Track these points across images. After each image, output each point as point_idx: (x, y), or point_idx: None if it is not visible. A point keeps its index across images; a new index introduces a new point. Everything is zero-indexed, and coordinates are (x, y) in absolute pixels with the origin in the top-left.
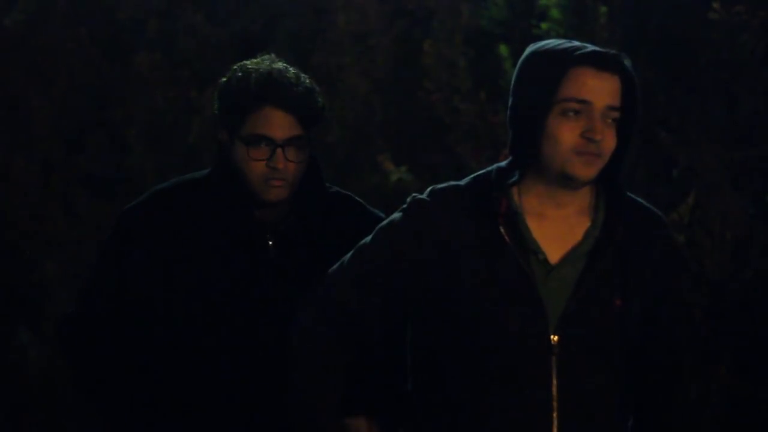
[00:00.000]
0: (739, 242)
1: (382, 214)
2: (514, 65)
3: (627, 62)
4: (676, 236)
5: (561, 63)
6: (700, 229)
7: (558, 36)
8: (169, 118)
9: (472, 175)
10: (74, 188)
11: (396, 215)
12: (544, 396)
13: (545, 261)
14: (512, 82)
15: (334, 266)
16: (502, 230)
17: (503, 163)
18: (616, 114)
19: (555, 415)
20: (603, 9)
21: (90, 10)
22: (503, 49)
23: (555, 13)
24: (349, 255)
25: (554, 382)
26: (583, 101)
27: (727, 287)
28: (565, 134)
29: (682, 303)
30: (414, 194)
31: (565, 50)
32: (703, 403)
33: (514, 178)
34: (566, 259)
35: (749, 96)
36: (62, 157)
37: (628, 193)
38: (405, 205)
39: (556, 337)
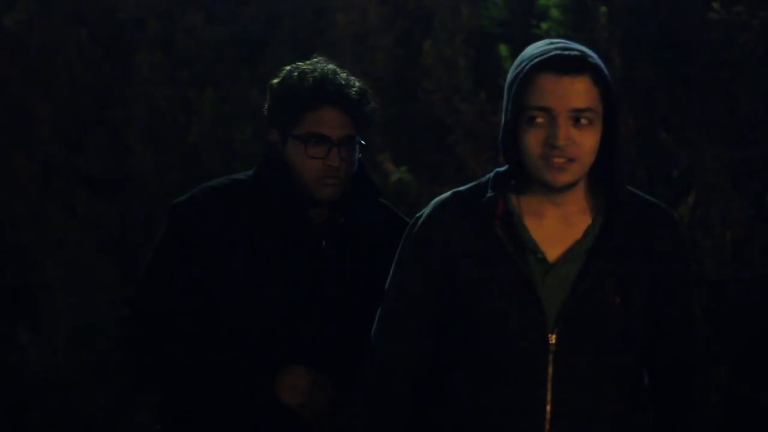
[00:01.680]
0: (739, 242)
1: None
2: None
3: (593, 60)
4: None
5: (526, 70)
6: (700, 229)
7: (558, 36)
8: (169, 118)
9: (475, 181)
10: (74, 188)
11: (401, 250)
12: (539, 394)
13: (544, 260)
14: None
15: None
16: (498, 231)
17: (503, 168)
18: (588, 114)
19: (548, 414)
20: (603, 9)
21: (90, 10)
22: (503, 49)
23: (555, 13)
24: (381, 308)
25: (550, 380)
26: (542, 108)
27: (727, 287)
28: (531, 143)
29: (683, 300)
30: (417, 215)
31: (530, 57)
32: (704, 401)
33: (510, 182)
34: (566, 258)
35: (749, 96)
36: (62, 157)
37: (635, 191)
38: (408, 230)
39: (553, 336)
